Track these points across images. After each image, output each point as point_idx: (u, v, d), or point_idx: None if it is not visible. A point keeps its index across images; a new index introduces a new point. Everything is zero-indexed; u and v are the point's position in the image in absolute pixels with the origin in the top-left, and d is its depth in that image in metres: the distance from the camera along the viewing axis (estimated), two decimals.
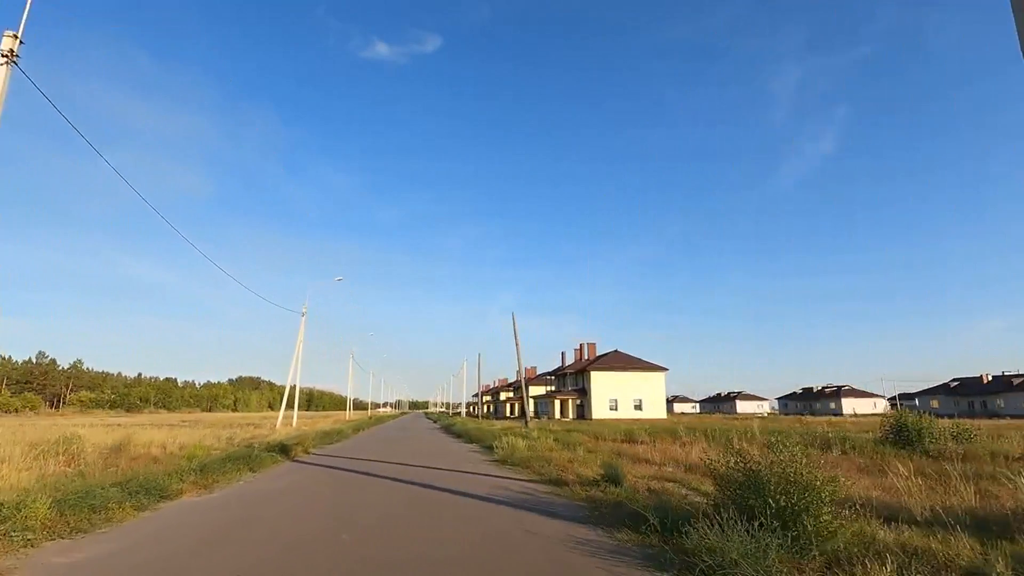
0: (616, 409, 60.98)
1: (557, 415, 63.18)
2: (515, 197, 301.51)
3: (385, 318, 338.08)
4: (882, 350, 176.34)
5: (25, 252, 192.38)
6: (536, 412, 75.49)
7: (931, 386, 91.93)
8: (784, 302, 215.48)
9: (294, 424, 33.29)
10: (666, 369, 63.08)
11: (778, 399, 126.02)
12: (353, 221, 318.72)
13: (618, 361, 63.62)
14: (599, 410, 60.38)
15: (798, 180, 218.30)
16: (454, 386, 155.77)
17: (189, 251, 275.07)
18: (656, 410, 61.52)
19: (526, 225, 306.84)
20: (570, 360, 72.62)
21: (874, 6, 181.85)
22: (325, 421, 41.94)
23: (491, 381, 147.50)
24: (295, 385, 36.04)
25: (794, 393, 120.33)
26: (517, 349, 31.14)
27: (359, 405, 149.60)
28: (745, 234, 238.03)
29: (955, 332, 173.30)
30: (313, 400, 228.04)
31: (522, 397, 32.47)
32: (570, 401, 64.29)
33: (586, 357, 67.47)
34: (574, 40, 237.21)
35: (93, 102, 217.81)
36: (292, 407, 36.31)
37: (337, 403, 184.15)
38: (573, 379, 67.01)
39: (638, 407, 61.64)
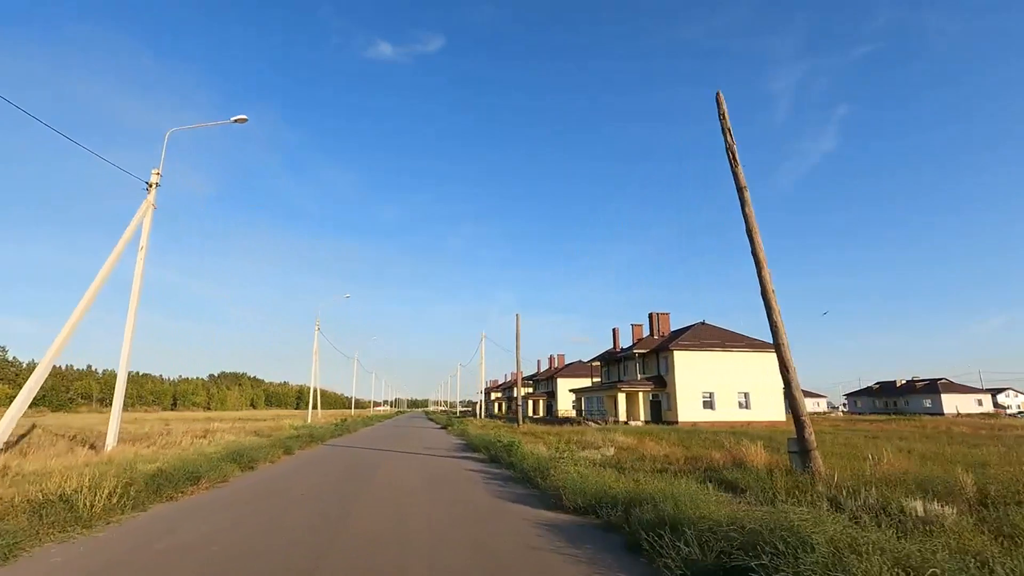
0: (712, 407, 41.12)
1: (622, 416, 43.12)
2: (516, 197, 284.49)
3: (385, 317, 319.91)
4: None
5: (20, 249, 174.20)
6: (581, 412, 55.33)
7: None
8: (797, 301, 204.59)
9: (111, 444, 13.34)
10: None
11: (846, 396, 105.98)
12: (353, 221, 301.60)
13: (710, 336, 43.67)
14: (687, 409, 40.53)
15: (798, 179, 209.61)
16: (462, 378, 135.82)
17: (184, 249, 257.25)
18: (771, 409, 41.60)
19: (527, 225, 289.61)
20: (626, 342, 52.37)
21: (873, 6, 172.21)
22: (227, 426, 21.86)
23: (499, 376, 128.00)
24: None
25: (868, 388, 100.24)
26: None
27: (357, 404, 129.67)
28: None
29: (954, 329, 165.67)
30: (303, 398, 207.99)
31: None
32: (640, 396, 44.22)
33: (659, 332, 47.36)
34: (575, 41, 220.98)
35: (94, 101, 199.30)
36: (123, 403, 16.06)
37: (338, 403, 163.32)
38: (642, 364, 46.83)
39: (743, 404, 41.80)
